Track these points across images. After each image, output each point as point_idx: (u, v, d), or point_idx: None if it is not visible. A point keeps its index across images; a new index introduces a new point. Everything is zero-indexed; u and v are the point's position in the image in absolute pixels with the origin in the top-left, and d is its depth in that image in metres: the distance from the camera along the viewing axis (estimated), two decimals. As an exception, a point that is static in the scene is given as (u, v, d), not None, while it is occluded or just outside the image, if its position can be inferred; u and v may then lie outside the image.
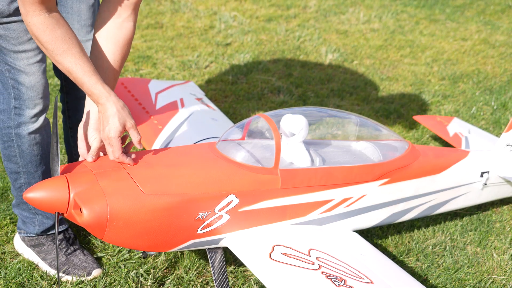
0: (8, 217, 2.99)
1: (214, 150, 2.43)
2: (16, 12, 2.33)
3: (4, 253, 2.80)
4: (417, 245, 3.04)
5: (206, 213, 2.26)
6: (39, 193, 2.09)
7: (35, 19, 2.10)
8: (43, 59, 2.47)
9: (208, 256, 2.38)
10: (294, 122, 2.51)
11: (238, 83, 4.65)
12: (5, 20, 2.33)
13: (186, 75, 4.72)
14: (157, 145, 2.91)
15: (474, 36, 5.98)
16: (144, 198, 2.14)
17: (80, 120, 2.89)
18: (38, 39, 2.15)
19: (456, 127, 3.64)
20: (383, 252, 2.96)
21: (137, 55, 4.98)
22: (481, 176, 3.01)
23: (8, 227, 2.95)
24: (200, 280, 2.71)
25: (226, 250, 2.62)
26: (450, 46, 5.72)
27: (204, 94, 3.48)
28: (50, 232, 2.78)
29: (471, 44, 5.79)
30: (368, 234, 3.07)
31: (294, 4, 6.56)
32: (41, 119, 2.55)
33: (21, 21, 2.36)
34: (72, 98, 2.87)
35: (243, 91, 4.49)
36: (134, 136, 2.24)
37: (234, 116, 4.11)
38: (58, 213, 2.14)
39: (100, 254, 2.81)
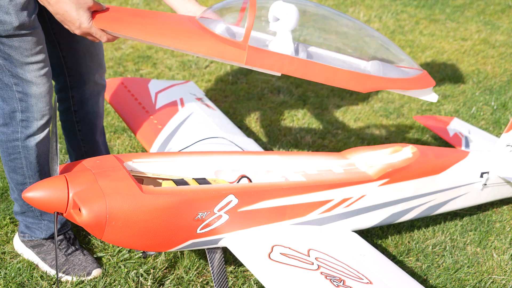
0: (8, 217, 2.99)
1: (192, 19, 2.37)
2: (33, 22, 2.35)
3: (4, 253, 2.80)
4: (417, 245, 3.04)
5: (206, 213, 2.26)
6: (38, 193, 2.09)
7: None
8: (50, 70, 2.49)
9: (207, 256, 2.38)
10: (282, 9, 2.37)
11: (238, 83, 4.65)
12: (23, 32, 2.33)
13: (186, 75, 4.72)
14: (156, 144, 2.91)
15: (474, 36, 5.98)
16: (143, 198, 2.14)
17: (89, 111, 2.90)
18: None
19: (456, 127, 3.65)
20: (383, 252, 2.96)
21: (137, 55, 4.98)
22: (481, 176, 3.01)
23: (8, 227, 2.95)
24: (200, 280, 2.71)
25: (226, 250, 2.62)
26: (450, 46, 5.72)
27: (204, 94, 3.48)
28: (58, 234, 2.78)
29: (471, 44, 5.79)
30: (368, 234, 3.07)
31: (294, 4, 6.56)
32: (48, 128, 2.56)
33: (36, 31, 2.37)
34: (78, 92, 2.87)
35: (243, 91, 4.49)
36: (101, 7, 2.25)
37: (234, 116, 4.11)
38: (57, 213, 2.14)
39: (100, 254, 2.81)
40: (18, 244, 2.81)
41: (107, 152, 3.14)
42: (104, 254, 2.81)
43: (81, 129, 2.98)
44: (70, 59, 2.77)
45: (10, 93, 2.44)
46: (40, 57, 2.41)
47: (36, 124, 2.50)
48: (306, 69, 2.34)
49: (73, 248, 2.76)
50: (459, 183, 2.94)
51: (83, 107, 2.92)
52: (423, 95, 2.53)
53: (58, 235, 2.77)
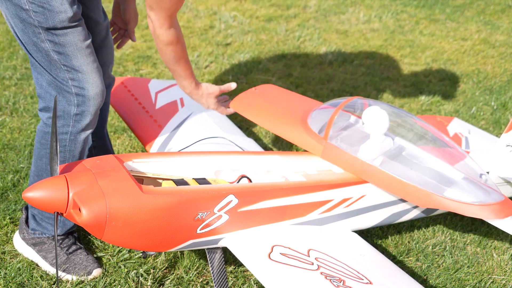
0: (8, 217, 2.98)
1: (309, 109, 2.86)
2: (80, 14, 2.41)
3: (4, 253, 2.80)
4: (417, 245, 3.04)
5: (206, 213, 2.26)
6: (38, 193, 2.09)
7: (166, 32, 2.55)
8: (99, 65, 2.53)
9: (207, 256, 2.38)
10: (373, 114, 2.66)
11: (238, 83, 4.65)
12: (75, 23, 2.38)
13: (186, 75, 4.72)
14: (157, 144, 2.91)
15: (474, 36, 5.98)
16: (143, 198, 2.13)
17: (101, 126, 2.99)
18: (162, 49, 2.61)
19: (456, 127, 3.64)
20: (383, 252, 2.96)
21: (137, 55, 4.99)
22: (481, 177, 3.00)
23: (8, 227, 2.94)
24: (200, 280, 2.71)
25: (226, 250, 2.62)
26: (450, 46, 5.72)
27: (204, 94, 3.48)
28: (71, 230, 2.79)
29: (471, 44, 5.79)
30: (368, 234, 3.07)
31: (294, 4, 6.56)
32: (96, 123, 2.60)
33: (83, 23, 2.42)
34: None
35: (243, 91, 4.48)
36: (227, 88, 2.96)
37: (234, 116, 4.10)
38: (58, 213, 2.14)
39: (100, 254, 2.81)
40: (18, 243, 2.80)
41: (111, 145, 3.16)
42: (104, 254, 2.81)
43: (95, 139, 3.01)
44: None
45: (66, 88, 2.46)
46: (91, 49, 2.46)
47: (89, 118, 2.52)
48: (372, 175, 2.57)
49: (75, 247, 2.76)
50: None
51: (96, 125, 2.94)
52: (499, 224, 2.63)
53: (66, 235, 2.77)
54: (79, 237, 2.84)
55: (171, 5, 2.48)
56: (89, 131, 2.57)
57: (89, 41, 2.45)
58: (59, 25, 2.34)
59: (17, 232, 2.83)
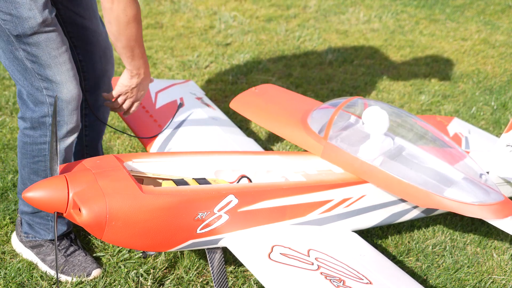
0: (8, 217, 2.98)
1: (310, 108, 2.86)
2: (54, 20, 2.35)
3: (4, 253, 2.80)
4: (417, 245, 3.04)
5: (206, 213, 2.26)
6: (38, 193, 2.09)
7: (132, 4, 2.33)
8: (76, 72, 2.48)
9: (207, 256, 2.38)
10: (373, 114, 2.67)
11: (238, 83, 4.65)
12: (47, 29, 2.33)
13: (186, 75, 4.72)
14: (156, 144, 2.90)
15: (474, 36, 5.98)
16: (143, 198, 2.13)
17: (99, 116, 2.92)
18: (126, 25, 2.34)
19: (456, 127, 3.64)
20: (383, 252, 2.96)
21: (137, 55, 4.98)
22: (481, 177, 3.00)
23: (8, 227, 2.94)
24: (200, 280, 2.71)
25: (226, 250, 2.62)
26: (450, 46, 5.71)
27: (204, 94, 3.48)
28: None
29: (471, 44, 5.79)
30: (368, 234, 3.07)
31: (294, 4, 6.56)
32: (77, 132, 2.54)
33: (58, 29, 2.37)
34: (92, 96, 2.86)
35: (243, 91, 4.48)
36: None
37: (234, 116, 4.10)
38: (57, 213, 2.14)
39: (100, 254, 2.81)
40: (16, 244, 2.80)
41: None
42: (104, 254, 2.81)
43: (88, 134, 2.98)
44: (87, 63, 2.76)
45: (41, 97, 2.42)
46: (67, 56, 2.41)
47: (66, 128, 2.47)
48: (372, 175, 2.58)
49: (73, 248, 2.75)
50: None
51: (92, 114, 2.92)
52: (499, 225, 2.63)
53: (62, 237, 2.76)
54: (76, 238, 2.84)
55: None
56: (68, 141, 2.51)
57: (64, 47, 2.40)
58: (28, 31, 2.30)
59: (14, 234, 2.82)
